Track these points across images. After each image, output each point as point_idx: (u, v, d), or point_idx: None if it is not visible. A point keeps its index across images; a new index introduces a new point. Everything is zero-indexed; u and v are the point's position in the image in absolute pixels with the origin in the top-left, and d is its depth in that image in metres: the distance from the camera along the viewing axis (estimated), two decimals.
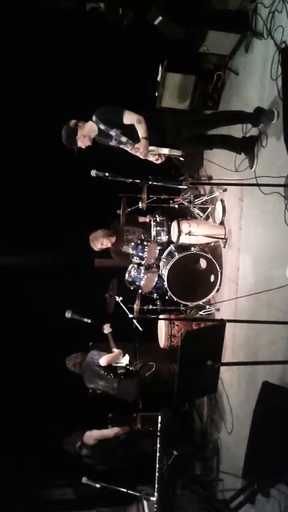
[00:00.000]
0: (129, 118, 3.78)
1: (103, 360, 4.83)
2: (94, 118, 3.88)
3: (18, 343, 6.03)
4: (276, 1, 3.76)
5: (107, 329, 5.07)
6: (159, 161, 4.14)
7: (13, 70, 5.60)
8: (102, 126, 3.85)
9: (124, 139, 3.85)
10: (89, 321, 4.83)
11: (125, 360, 5.07)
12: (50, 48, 5.61)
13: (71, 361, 5.05)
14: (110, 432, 4.94)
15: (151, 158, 4.07)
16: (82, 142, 3.91)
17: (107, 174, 3.67)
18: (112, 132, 3.83)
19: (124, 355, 5.09)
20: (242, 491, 3.16)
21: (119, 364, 4.98)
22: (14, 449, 5.68)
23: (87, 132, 3.90)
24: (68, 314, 4.78)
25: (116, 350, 4.99)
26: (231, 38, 4.63)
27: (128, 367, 4.98)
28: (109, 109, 3.87)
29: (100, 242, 5.40)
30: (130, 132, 3.82)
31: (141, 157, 3.88)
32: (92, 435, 4.83)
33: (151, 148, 3.93)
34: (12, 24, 5.45)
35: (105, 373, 4.84)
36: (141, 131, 3.77)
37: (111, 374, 4.84)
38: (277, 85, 3.61)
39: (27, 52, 5.56)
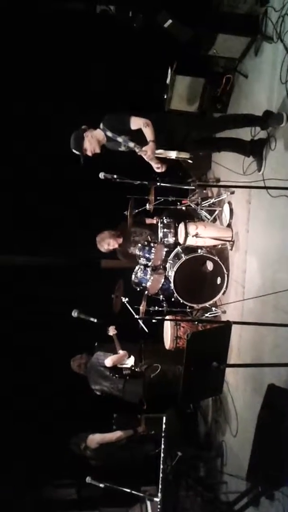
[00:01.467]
0: (135, 123, 3.80)
1: (109, 361, 4.84)
2: (101, 126, 3.91)
3: (23, 342, 6.07)
4: (286, 5, 3.76)
5: (112, 331, 5.07)
6: (159, 170, 4.14)
7: (19, 72, 5.64)
8: (109, 134, 3.87)
9: (132, 144, 3.87)
10: (95, 320, 4.84)
11: (130, 361, 5.08)
12: (59, 50, 5.64)
13: (76, 362, 5.07)
14: (112, 436, 4.96)
15: (153, 164, 4.09)
16: (91, 149, 3.93)
17: (115, 176, 3.69)
18: (120, 139, 3.85)
19: (129, 356, 5.10)
20: (246, 493, 3.16)
21: (124, 365, 4.98)
22: (18, 448, 5.71)
23: (96, 139, 3.92)
24: (74, 314, 4.79)
25: (121, 351, 5.00)
26: (241, 41, 4.65)
27: (133, 368, 4.98)
28: (115, 117, 3.89)
29: (107, 243, 5.42)
30: (138, 136, 3.83)
31: (146, 158, 3.90)
32: (94, 439, 4.87)
33: (159, 151, 3.95)
34: (22, 26, 5.50)
35: (110, 374, 4.85)
36: (148, 134, 3.79)
37: (116, 375, 4.84)
38: (286, 88, 3.62)
39: (36, 54, 5.60)
